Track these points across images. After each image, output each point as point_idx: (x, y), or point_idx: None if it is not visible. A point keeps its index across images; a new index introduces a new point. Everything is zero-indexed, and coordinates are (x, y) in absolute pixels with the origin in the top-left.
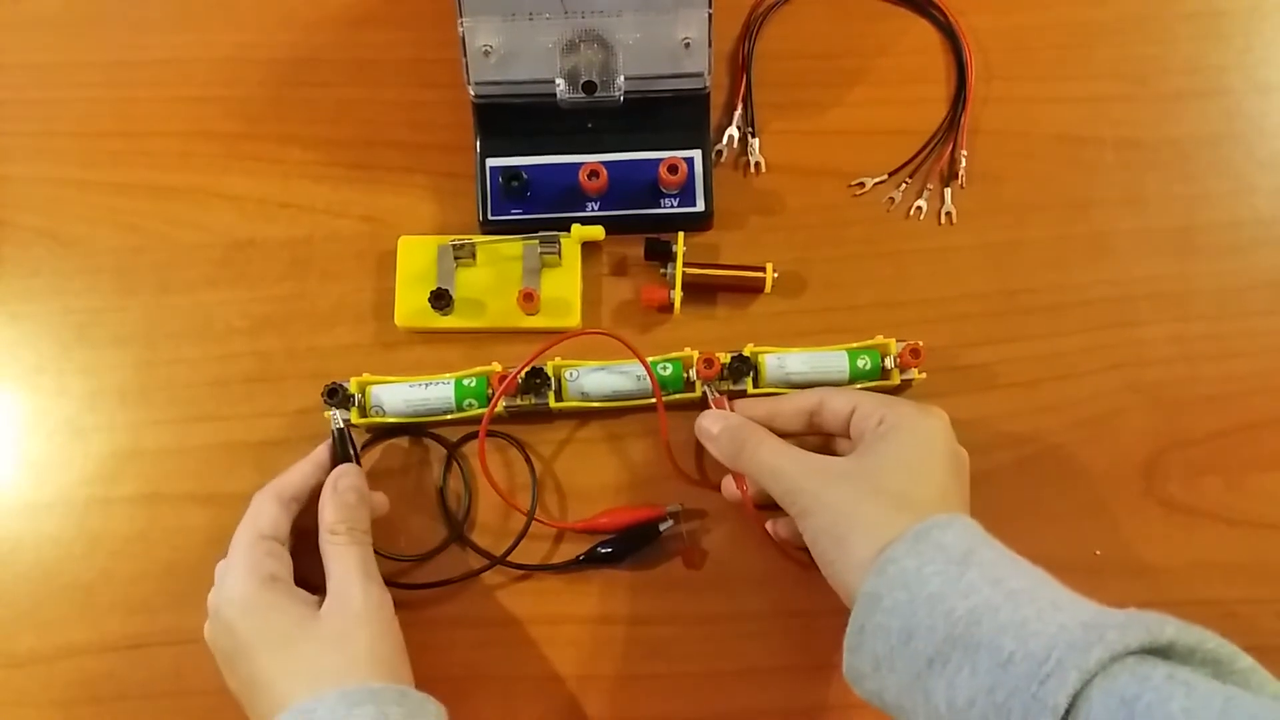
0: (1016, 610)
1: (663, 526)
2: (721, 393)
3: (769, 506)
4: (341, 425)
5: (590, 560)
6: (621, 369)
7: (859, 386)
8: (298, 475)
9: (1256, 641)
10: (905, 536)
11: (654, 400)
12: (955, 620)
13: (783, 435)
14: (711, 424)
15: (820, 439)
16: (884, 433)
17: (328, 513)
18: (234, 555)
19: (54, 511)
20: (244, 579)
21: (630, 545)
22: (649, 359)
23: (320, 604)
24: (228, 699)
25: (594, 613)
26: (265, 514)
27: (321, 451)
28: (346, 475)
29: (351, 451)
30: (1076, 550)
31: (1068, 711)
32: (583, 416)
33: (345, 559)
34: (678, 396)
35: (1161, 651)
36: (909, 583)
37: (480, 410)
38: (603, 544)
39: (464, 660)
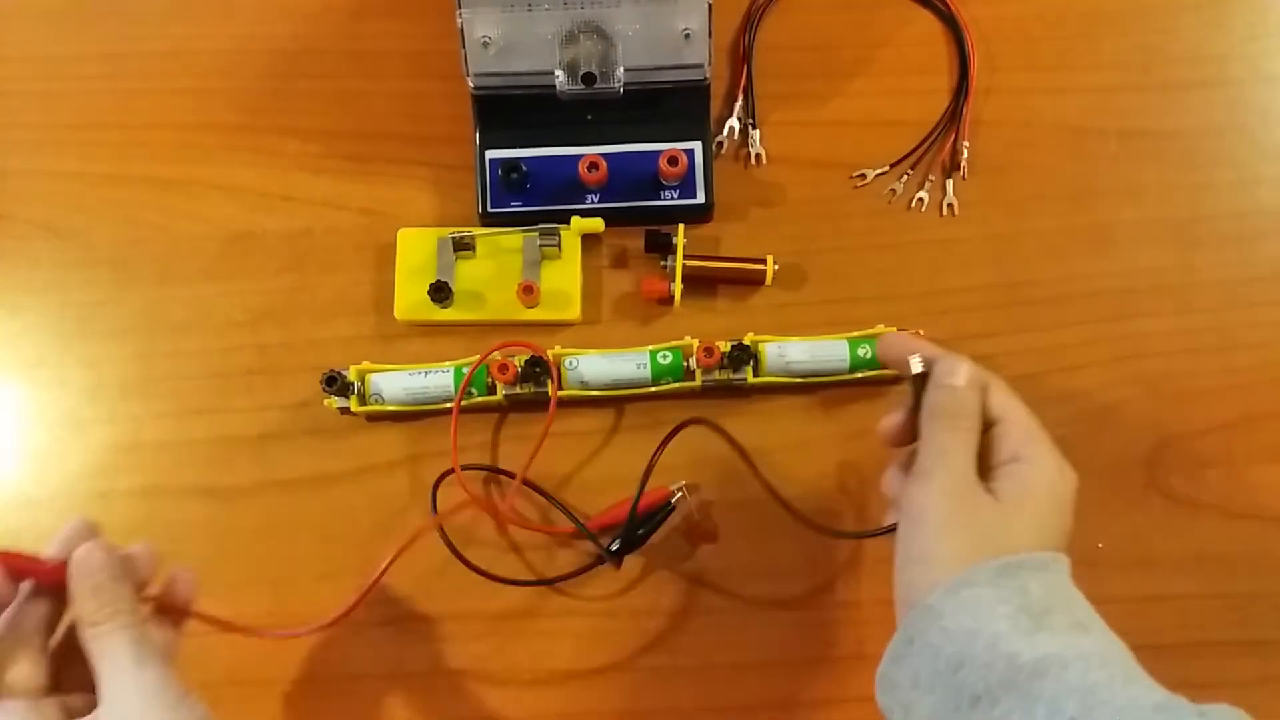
0: (1086, 674)
1: (673, 499)
2: (718, 383)
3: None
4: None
5: (610, 554)
6: (622, 357)
7: (859, 375)
8: None
9: (1258, 635)
10: (991, 565)
11: (655, 389)
12: (1018, 666)
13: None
14: (952, 370)
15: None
16: (1022, 474)
17: (79, 602)
18: None
19: (55, 505)
20: None
21: (643, 530)
22: (649, 349)
23: (94, 715)
24: (227, 692)
25: (595, 607)
26: None
27: None
28: (92, 554)
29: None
30: (1079, 543)
31: None
32: (583, 405)
33: (111, 652)
34: (675, 385)
35: None
36: (979, 613)
37: (480, 399)
38: (614, 538)
39: (465, 653)
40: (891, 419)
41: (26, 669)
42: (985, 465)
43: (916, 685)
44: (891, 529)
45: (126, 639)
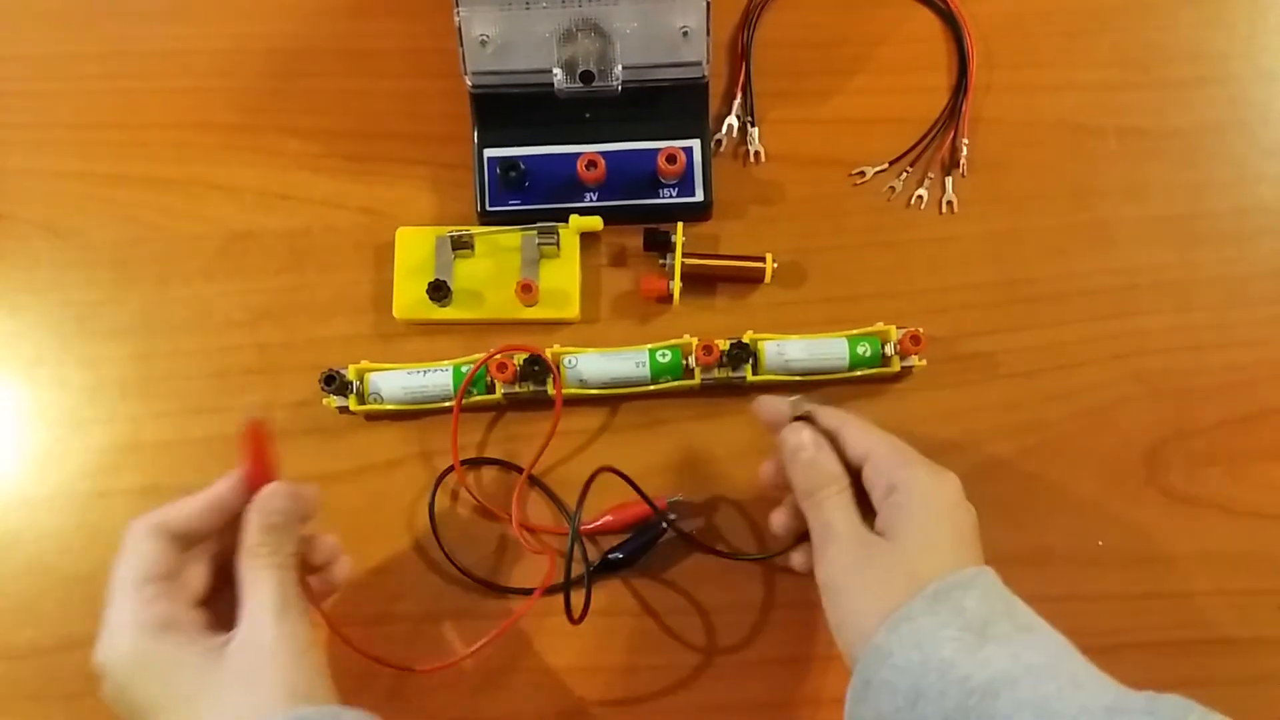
0: (1037, 687)
1: (666, 521)
2: (717, 381)
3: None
4: None
5: (605, 567)
6: (621, 356)
7: (858, 374)
8: (185, 510)
9: (1257, 633)
10: (924, 593)
11: (654, 388)
12: (970, 690)
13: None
14: (798, 445)
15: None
16: (901, 503)
17: (250, 532)
18: (116, 604)
19: (54, 504)
20: (132, 633)
21: (640, 545)
22: (648, 347)
23: (230, 634)
24: None
25: (594, 606)
26: (145, 554)
27: (220, 489)
28: (277, 496)
29: None
30: (1078, 541)
31: None
32: (582, 404)
33: (260, 585)
34: (674, 384)
35: None
36: (922, 642)
37: (478, 397)
38: (612, 550)
39: (463, 652)
40: (767, 467)
41: (200, 572)
42: (868, 506)
43: None
44: (784, 551)
45: (275, 580)
